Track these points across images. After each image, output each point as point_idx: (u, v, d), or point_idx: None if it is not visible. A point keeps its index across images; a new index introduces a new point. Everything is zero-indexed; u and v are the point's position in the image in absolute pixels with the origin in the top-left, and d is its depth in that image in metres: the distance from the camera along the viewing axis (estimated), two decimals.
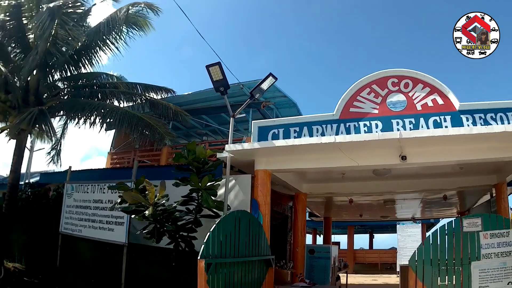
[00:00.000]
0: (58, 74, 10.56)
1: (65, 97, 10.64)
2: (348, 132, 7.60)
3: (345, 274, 13.80)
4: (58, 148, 10.32)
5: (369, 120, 7.64)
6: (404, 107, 7.57)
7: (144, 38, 10.44)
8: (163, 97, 10.96)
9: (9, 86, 9.76)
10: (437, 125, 7.26)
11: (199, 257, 4.97)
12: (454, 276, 5.96)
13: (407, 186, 10.32)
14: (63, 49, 9.65)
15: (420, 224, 19.92)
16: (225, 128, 14.47)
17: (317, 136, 7.61)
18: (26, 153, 14.44)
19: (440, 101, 7.38)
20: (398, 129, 7.38)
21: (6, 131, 9.87)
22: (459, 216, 16.61)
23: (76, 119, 9.97)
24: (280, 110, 13.62)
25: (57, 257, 9.53)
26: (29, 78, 9.80)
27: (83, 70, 10.61)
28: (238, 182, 7.75)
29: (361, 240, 29.53)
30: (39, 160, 69.00)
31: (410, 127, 7.38)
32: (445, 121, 7.28)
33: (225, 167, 7.74)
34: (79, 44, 9.89)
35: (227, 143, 7.28)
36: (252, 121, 8.21)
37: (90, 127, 9.90)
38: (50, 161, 10.27)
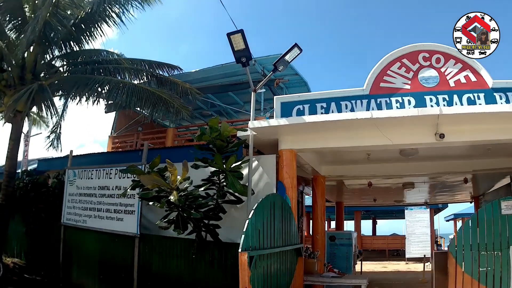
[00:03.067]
0: (57, 50, 9.74)
1: (65, 75, 9.84)
2: (379, 108, 7.06)
3: (359, 262, 13.41)
4: (58, 131, 9.53)
5: (401, 96, 7.14)
6: (437, 83, 7.11)
7: (143, 15, 9.70)
8: (168, 74, 10.18)
9: (4, 62, 9.02)
10: (471, 102, 6.85)
11: (240, 250, 4.33)
12: (493, 261, 5.69)
13: (430, 168, 9.78)
14: (64, 21, 8.88)
15: (428, 210, 19.47)
16: (232, 108, 13.76)
17: (346, 112, 7.02)
18: (22, 140, 13.71)
19: (472, 77, 6.96)
20: (431, 106, 6.89)
21: (1, 114, 9.14)
22: (472, 201, 16.36)
23: (78, 97, 9.15)
24: (289, 89, 12.77)
25: (59, 251, 8.83)
26: (26, 55, 9.03)
27: (85, 46, 9.84)
28: (261, 163, 7.04)
29: (363, 226, 29.23)
30: (35, 147, 67.50)
31: (443, 104, 6.91)
32: (478, 98, 6.88)
33: (245, 147, 7.12)
34: (82, 13, 9.08)
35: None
36: (274, 97, 7.52)
37: (93, 104, 9.20)
38: (50, 146, 9.48)
